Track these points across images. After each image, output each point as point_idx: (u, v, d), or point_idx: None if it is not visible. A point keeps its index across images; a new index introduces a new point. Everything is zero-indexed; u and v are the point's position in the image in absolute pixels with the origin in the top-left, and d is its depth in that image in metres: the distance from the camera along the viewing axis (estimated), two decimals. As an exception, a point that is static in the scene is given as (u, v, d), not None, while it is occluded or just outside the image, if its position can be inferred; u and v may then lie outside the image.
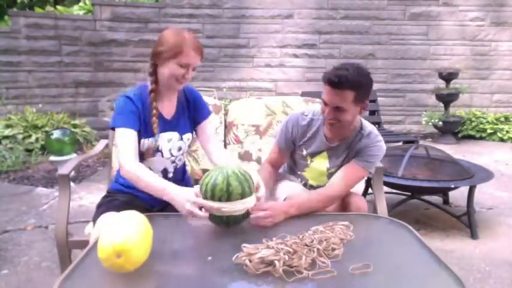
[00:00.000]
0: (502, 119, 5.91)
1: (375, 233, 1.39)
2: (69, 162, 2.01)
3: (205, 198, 1.29)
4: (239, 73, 6.20)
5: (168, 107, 1.59)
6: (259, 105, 2.39)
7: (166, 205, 1.45)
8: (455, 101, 5.80)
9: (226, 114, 2.46)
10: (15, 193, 3.45)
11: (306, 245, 1.12)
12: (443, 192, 3.10)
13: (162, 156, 1.59)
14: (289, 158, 1.83)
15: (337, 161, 1.69)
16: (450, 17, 6.13)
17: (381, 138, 1.65)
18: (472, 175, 2.68)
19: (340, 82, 1.45)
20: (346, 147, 1.66)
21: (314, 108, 1.76)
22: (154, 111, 1.51)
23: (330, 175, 1.70)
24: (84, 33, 5.85)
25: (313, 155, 1.72)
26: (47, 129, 4.55)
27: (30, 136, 4.53)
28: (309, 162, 1.74)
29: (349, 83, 1.46)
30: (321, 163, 1.72)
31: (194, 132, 1.70)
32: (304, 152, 1.73)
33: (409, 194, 2.85)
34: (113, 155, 2.30)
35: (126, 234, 0.98)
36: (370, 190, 2.74)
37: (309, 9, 6.09)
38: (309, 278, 1.00)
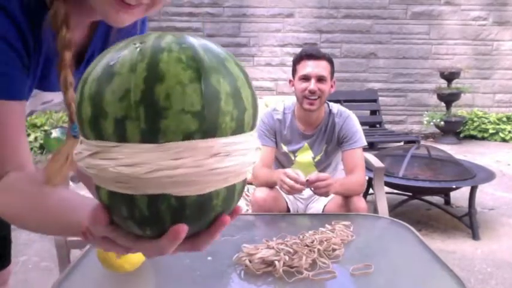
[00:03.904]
0: (504, 119, 5.89)
1: (376, 234, 1.39)
2: (68, 161, 2.00)
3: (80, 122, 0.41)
4: (240, 72, 6.19)
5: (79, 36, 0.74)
6: (260, 105, 2.38)
7: None
8: (457, 100, 5.78)
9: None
10: (15, 192, 3.44)
11: (307, 245, 1.12)
12: (445, 192, 3.08)
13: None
14: (275, 160, 1.86)
15: (320, 147, 1.77)
16: (452, 16, 6.11)
17: (348, 111, 1.78)
18: (473, 175, 2.67)
19: (318, 52, 1.68)
20: (323, 130, 1.76)
21: (284, 103, 1.86)
22: (65, 55, 0.63)
23: (317, 163, 1.79)
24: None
25: (295, 151, 1.79)
26: (45, 128, 4.53)
27: (29, 135, 4.52)
28: (293, 158, 1.81)
29: (324, 54, 1.69)
30: (305, 155, 1.79)
31: None
32: (285, 149, 1.80)
33: (410, 194, 2.83)
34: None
35: (124, 234, 0.97)
36: (371, 190, 2.72)
37: (310, 8, 6.08)
38: (310, 278, 0.99)
